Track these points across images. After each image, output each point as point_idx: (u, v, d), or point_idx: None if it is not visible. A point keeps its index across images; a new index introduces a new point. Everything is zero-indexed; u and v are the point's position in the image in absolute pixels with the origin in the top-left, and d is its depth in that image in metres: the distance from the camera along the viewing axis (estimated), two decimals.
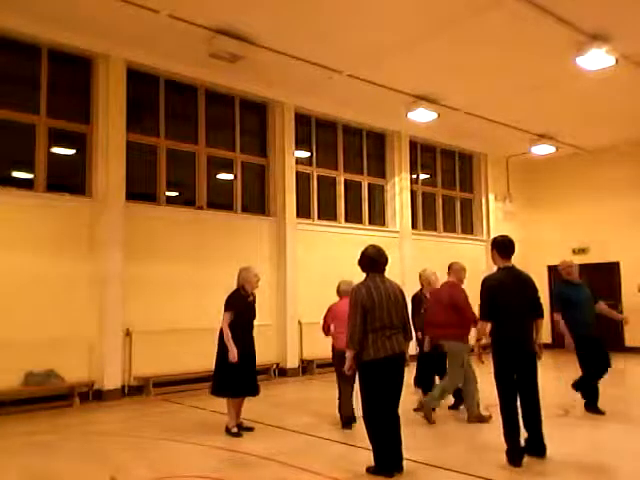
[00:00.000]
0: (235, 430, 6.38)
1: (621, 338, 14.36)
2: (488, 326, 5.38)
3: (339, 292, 7.07)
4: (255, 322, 6.66)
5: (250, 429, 6.58)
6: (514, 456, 5.08)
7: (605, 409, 7.06)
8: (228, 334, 6.29)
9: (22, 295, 8.09)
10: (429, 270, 8.23)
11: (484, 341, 5.54)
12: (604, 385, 7.26)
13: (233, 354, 6.22)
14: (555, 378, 10.21)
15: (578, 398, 7.29)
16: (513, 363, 5.26)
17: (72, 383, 8.32)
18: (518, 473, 4.94)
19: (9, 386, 7.81)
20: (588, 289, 7.51)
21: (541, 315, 5.49)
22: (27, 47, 8.66)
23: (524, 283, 5.46)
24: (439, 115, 11.83)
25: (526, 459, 5.12)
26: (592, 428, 6.63)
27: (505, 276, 5.39)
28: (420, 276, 8.31)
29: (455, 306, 6.85)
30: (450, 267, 7.28)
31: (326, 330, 6.99)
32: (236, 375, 6.31)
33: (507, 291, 5.29)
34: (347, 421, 6.60)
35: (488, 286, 5.36)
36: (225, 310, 6.41)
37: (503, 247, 5.47)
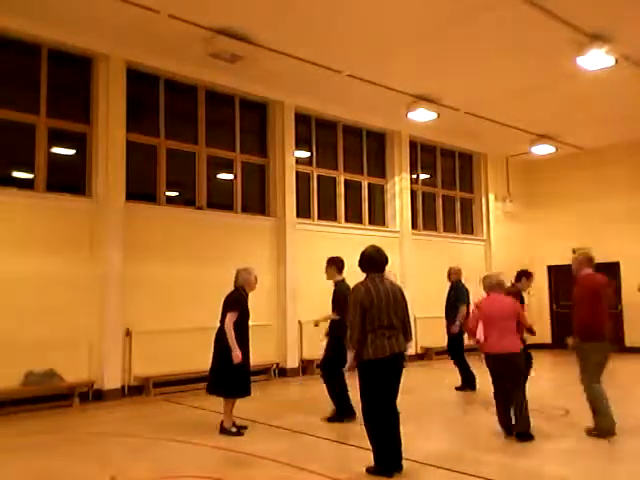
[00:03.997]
0: (235, 429, 6.38)
1: (621, 338, 14.35)
2: None
3: (484, 287, 6.46)
4: (250, 322, 6.66)
5: (244, 427, 6.59)
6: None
7: None
8: (232, 334, 6.25)
9: (22, 295, 8.09)
10: None
11: None
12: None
13: (237, 355, 6.20)
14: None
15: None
16: None
17: (72, 383, 8.32)
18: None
19: (9, 386, 7.81)
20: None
21: None
22: (27, 47, 8.65)
23: None
24: (439, 115, 11.83)
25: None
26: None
27: None
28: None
29: None
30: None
31: (474, 331, 6.14)
32: (239, 375, 6.33)
33: None
34: (523, 435, 5.83)
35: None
36: (231, 310, 6.36)
37: None
